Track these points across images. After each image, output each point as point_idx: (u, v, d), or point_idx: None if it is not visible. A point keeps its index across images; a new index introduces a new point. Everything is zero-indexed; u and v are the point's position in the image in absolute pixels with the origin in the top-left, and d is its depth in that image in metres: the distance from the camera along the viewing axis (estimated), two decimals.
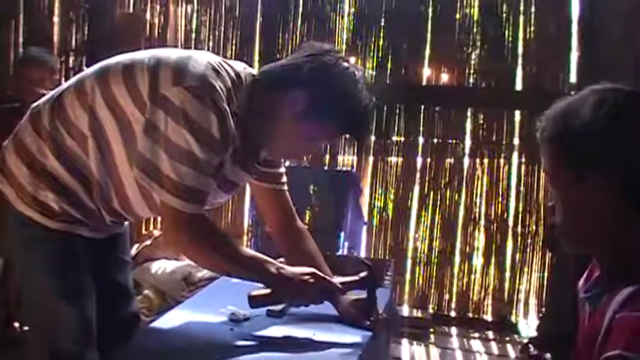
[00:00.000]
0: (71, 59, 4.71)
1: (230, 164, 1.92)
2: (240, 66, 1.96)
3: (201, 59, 1.83)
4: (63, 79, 4.42)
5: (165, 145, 1.71)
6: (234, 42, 5.32)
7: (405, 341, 4.48)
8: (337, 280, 2.10)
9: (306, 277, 1.96)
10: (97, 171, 1.85)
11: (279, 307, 2.17)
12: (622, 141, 1.28)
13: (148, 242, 4.81)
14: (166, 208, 1.76)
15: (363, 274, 2.13)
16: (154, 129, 1.72)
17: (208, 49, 5.02)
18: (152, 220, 5.34)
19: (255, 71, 1.99)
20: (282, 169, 2.25)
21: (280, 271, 1.93)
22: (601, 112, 1.28)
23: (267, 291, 1.97)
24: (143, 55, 1.88)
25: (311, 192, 4.53)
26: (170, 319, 2.05)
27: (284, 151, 2.06)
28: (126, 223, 2.16)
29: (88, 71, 1.94)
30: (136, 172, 1.77)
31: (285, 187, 2.26)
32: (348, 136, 2.17)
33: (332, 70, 1.87)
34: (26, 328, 2.53)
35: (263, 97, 1.91)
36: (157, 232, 4.99)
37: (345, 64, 1.89)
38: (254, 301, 2.00)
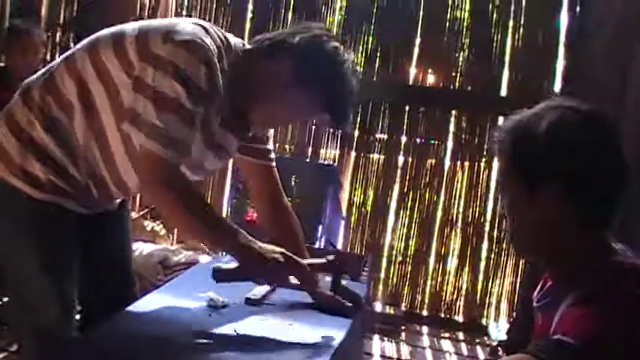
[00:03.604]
0: (59, 34, 4.67)
1: (218, 127, 1.94)
2: (230, 34, 1.98)
3: (191, 21, 1.86)
4: (49, 54, 4.40)
5: (153, 95, 1.72)
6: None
7: (376, 337, 4.51)
8: (306, 262, 2.07)
9: (276, 254, 1.92)
10: (84, 140, 1.86)
11: (259, 295, 2.18)
12: (571, 157, 1.33)
13: None
14: (145, 151, 1.74)
15: (330, 257, 2.13)
16: (142, 84, 1.74)
17: None
18: (130, 201, 5.32)
19: (245, 43, 2.02)
20: (270, 146, 2.28)
21: (250, 244, 1.89)
22: (554, 129, 1.33)
23: (234, 265, 1.97)
24: (133, 24, 1.90)
25: (292, 183, 4.54)
26: (147, 303, 2.03)
27: (265, 117, 2.03)
28: (117, 201, 2.14)
29: (78, 45, 1.95)
30: (124, 126, 1.78)
31: (274, 164, 2.30)
32: (329, 118, 2.01)
33: (323, 45, 1.89)
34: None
35: (253, 61, 1.93)
36: (134, 214, 4.98)
37: (337, 44, 1.92)
38: (219, 275, 1.97)
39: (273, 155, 2.30)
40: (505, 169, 1.42)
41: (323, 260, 2.12)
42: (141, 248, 4.45)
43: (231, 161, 5.19)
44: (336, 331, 2.01)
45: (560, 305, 1.34)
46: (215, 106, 1.86)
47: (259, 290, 2.24)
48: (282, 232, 2.27)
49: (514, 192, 1.40)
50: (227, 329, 1.89)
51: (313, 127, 5.19)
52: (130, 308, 1.98)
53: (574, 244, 1.36)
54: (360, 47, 5.14)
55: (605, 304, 1.25)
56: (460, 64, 5.06)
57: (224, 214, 5.24)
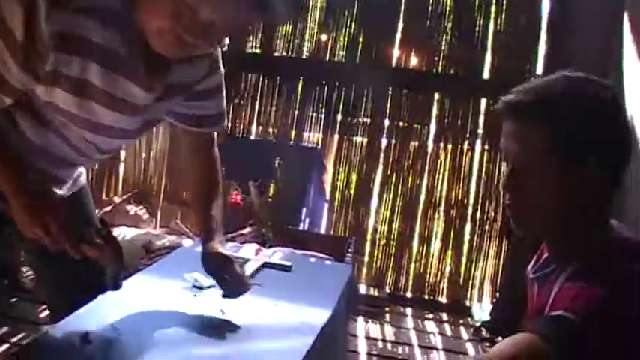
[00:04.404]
0: None
1: (109, 73, 1.57)
2: None
3: None
4: None
5: None
6: None
7: (360, 319, 4.53)
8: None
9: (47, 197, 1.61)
10: None
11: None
12: (610, 131, 1.34)
13: (108, 209, 4.80)
14: None
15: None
16: None
17: None
18: (113, 186, 5.31)
19: None
20: (215, 111, 1.94)
21: (29, 188, 1.57)
22: (593, 101, 1.33)
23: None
24: None
25: (276, 166, 4.55)
26: (132, 285, 2.01)
27: (167, 33, 1.47)
28: (65, 186, 1.94)
29: None
30: None
31: (210, 134, 2.04)
32: (253, 13, 1.51)
33: None
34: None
35: None
36: (117, 199, 4.97)
37: None
38: None
39: (218, 126, 1.99)
40: (536, 142, 1.32)
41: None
42: (124, 233, 4.45)
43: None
44: (321, 311, 2.02)
45: (559, 277, 1.35)
46: (42, 59, 1.48)
47: (245, 270, 2.24)
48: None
49: (542, 165, 1.33)
50: (213, 310, 1.89)
51: (296, 111, 5.18)
52: (113, 291, 1.97)
53: (585, 217, 1.36)
54: (343, 31, 5.13)
55: (604, 278, 1.26)
56: (443, 47, 5.06)
57: None
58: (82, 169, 2.05)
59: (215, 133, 2.07)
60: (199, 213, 2.07)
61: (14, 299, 3.90)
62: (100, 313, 1.78)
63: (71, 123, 1.66)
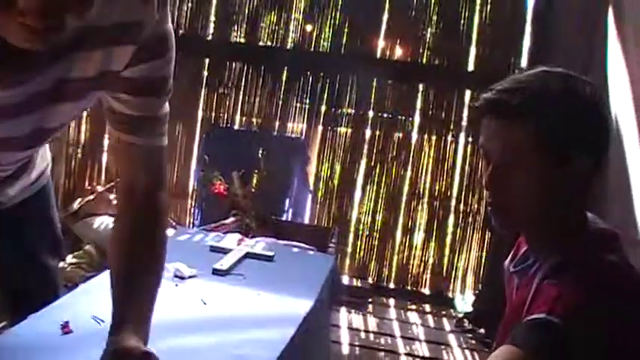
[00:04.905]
0: None
1: None
2: None
3: None
4: None
5: None
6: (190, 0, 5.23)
7: (343, 309, 4.53)
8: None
9: None
10: None
11: (226, 265, 2.18)
12: (598, 128, 1.35)
13: (91, 197, 4.76)
14: None
15: None
16: None
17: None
18: (95, 175, 5.27)
19: None
20: (150, 113, 1.40)
21: None
22: (576, 97, 1.33)
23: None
24: None
25: (260, 156, 4.53)
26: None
27: None
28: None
29: None
30: None
31: (154, 144, 1.44)
32: None
33: None
34: None
35: None
36: (100, 188, 4.93)
37: None
38: None
39: (157, 130, 1.43)
40: (521, 139, 1.31)
41: None
42: (107, 222, 4.42)
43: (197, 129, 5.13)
44: (303, 302, 2.02)
45: (539, 271, 1.35)
46: None
47: (227, 261, 2.24)
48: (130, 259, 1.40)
49: (525, 162, 1.32)
50: (194, 300, 1.89)
51: (280, 101, 5.16)
52: (94, 280, 1.96)
53: (567, 212, 1.36)
54: (328, 21, 5.11)
55: (585, 273, 1.26)
56: (428, 38, 5.06)
57: (190, 187, 5.22)
58: (33, 173, 1.78)
59: (163, 175, 1.49)
60: (121, 291, 1.39)
61: None
62: (80, 304, 1.77)
63: None
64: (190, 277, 2.07)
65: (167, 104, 1.43)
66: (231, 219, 4.14)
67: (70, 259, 4.13)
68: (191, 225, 4.87)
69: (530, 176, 1.32)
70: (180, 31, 5.06)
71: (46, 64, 1.21)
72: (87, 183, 5.24)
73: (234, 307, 1.90)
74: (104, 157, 5.33)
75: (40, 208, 1.89)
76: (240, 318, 1.84)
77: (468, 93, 5.02)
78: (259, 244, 2.72)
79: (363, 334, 4.26)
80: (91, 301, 1.77)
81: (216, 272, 2.17)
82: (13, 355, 1.44)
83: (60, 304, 1.76)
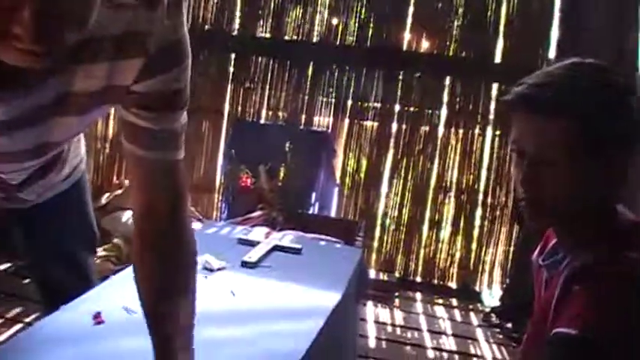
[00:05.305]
0: None
1: None
2: None
3: None
4: None
5: None
6: None
7: (370, 303, 4.53)
8: None
9: None
10: None
11: (255, 257, 2.19)
12: (630, 118, 1.31)
13: (119, 191, 4.81)
14: None
15: None
16: None
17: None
18: (123, 169, 5.32)
19: None
20: (162, 127, 1.29)
21: None
22: (611, 90, 1.30)
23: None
24: None
25: (286, 150, 4.54)
26: None
27: None
28: (30, 197, 1.70)
29: None
30: None
31: (170, 158, 1.34)
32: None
33: None
34: None
35: None
36: (127, 182, 4.97)
37: None
38: None
39: (173, 143, 1.33)
40: (555, 136, 1.28)
41: None
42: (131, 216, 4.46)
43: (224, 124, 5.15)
44: (331, 294, 2.02)
45: (567, 268, 1.34)
46: None
47: (255, 253, 2.24)
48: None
49: (562, 158, 1.29)
50: (224, 292, 1.90)
51: (306, 95, 5.17)
52: (123, 273, 1.98)
53: (601, 207, 1.35)
54: (354, 14, 5.10)
55: (607, 279, 1.23)
56: (454, 30, 5.02)
57: (217, 182, 5.25)
58: (65, 169, 1.77)
59: (183, 195, 1.38)
60: (157, 326, 1.36)
61: (26, 280, 3.91)
62: (111, 295, 1.79)
63: None
64: (219, 269, 2.08)
65: (185, 114, 1.33)
66: (258, 213, 4.15)
67: (99, 252, 4.17)
68: (218, 219, 4.89)
69: (566, 171, 1.30)
70: (206, 27, 5.08)
71: (43, 78, 1.15)
72: (115, 177, 5.29)
73: (263, 299, 1.90)
74: None
75: (74, 202, 1.90)
76: (269, 310, 1.84)
77: (495, 86, 4.98)
78: (287, 237, 2.72)
79: (389, 328, 4.26)
80: (122, 293, 1.79)
81: (244, 264, 2.18)
82: (46, 344, 1.46)
83: (91, 296, 1.78)
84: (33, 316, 3.42)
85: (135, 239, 1.38)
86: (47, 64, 1.00)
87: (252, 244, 2.47)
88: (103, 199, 4.69)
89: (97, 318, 1.62)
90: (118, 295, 1.77)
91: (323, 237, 3.25)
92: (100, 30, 1.04)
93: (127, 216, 4.48)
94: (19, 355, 1.40)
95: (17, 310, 3.72)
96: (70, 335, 1.53)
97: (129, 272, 1.94)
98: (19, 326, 3.44)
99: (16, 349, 1.44)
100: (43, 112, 1.23)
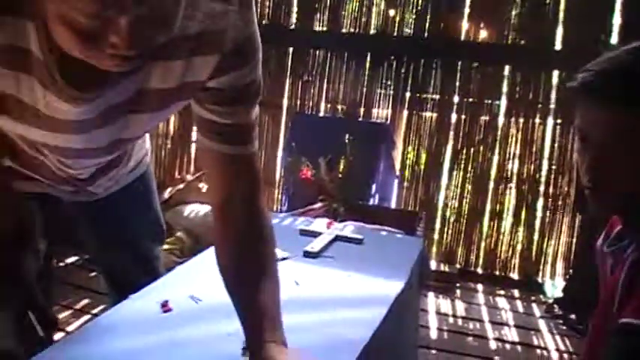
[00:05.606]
0: None
1: (41, 89, 1.18)
2: None
3: None
4: None
5: None
6: None
7: (431, 294, 4.53)
8: None
9: None
10: None
11: (317, 247, 2.21)
12: None
13: (181, 186, 4.90)
14: None
15: None
16: None
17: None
18: (185, 164, 5.42)
19: None
20: (236, 120, 1.34)
21: None
22: None
23: None
24: None
25: (346, 142, 4.55)
26: (203, 260, 2.05)
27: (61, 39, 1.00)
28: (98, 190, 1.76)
29: None
30: None
31: (247, 151, 1.39)
32: None
33: None
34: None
35: None
36: (189, 177, 5.06)
37: None
38: None
39: (248, 136, 1.38)
40: (623, 125, 1.26)
41: None
42: (197, 209, 4.55)
43: (283, 117, 5.20)
44: (393, 283, 2.03)
45: (632, 254, 1.32)
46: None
47: (317, 243, 2.27)
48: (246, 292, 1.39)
49: (630, 142, 1.27)
50: (288, 281, 1.92)
51: (364, 87, 5.18)
52: (185, 265, 2.03)
53: None
54: (411, 5, 5.08)
55: None
56: (513, 18, 4.95)
57: (277, 175, 5.30)
58: (131, 162, 1.81)
59: (259, 185, 1.47)
60: (245, 307, 1.39)
61: (93, 273, 4.02)
62: (177, 284, 1.84)
63: (24, 145, 1.46)
64: (283, 259, 2.10)
65: (257, 107, 1.38)
66: (319, 204, 4.18)
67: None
68: (279, 211, 4.94)
69: (633, 157, 1.28)
70: (264, 22, 5.14)
71: (122, 77, 1.18)
72: (177, 172, 5.39)
73: (326, 288, 1.92)
74: (193, 148, 5.47)
75: (140, 194, 1.95)
76: (332, 298, 1.86)
77: (555, 73, 4.90)
78: (348, 228, 2.74)
79: (451, 319, 4.25)
80: (188, 282, 1.84)
81: (307, 254, 2.20)
82: (116, 332, 1.51)
83: (158, 285, 1.83)
84: (100, 307, 3.51)
85: (215, 232, 1.42)
86: (136, 66, 1.07)
87: (314, 234, 2.50)
88: (166, 194, 4.78)
89: (165, 306, 1.66)
90: (184, 285, 1.82)
91: (384, 227, 3.26)
92: (178, 29, 1.08)
93: (189, 210, 4.57)
94: (89, 342, 1.45)
95: (85, 301, 3.84)
96: (138, 323, 1.57)
97: (194, 263, 2.01)
98: (86, 317, 3.54)
99: (84, 338, 1.49)
100: (120, 110, 1.28)
